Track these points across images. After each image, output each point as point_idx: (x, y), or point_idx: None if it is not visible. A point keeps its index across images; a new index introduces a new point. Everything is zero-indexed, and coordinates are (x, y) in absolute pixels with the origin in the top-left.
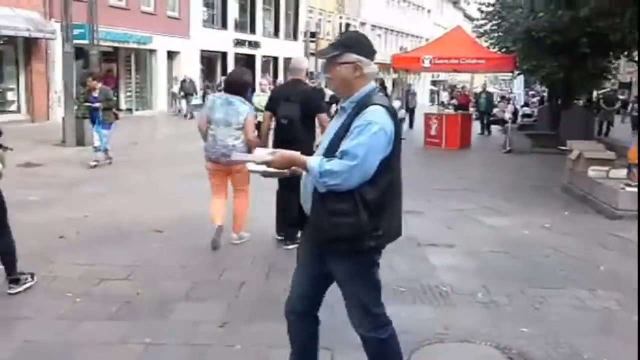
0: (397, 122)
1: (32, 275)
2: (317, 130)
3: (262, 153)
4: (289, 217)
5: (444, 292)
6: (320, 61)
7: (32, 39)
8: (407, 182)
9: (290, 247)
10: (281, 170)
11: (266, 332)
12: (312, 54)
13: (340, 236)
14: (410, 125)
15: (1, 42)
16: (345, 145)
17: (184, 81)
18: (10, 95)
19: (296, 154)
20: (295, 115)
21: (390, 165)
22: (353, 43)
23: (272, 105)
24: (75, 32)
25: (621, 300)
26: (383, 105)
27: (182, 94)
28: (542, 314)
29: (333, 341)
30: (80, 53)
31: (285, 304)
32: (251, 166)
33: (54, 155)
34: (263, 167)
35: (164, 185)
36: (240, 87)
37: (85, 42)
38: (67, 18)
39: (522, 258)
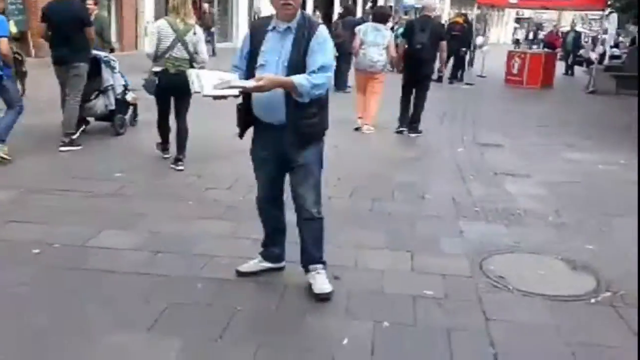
0: None
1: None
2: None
3: (252, 82)
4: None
5: (517, 214)
6: None
7: None
8: (486, 117)
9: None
10: (231, 93)
11: (357, 234)
12: None
13: (314, 132)
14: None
15: None
16: (320, 60)
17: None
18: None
19: (280, 77)
20: (427, 42)
21: None
22: None
23: (409, 33)
24: None
25: None
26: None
27: None
28: (607, 236)
29: None
30: None
31: (257, 199)
32: (206, 90)
33: None
34: (216, 92)
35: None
36: (385, 17)
37: None
38: None
39: (594, 188)
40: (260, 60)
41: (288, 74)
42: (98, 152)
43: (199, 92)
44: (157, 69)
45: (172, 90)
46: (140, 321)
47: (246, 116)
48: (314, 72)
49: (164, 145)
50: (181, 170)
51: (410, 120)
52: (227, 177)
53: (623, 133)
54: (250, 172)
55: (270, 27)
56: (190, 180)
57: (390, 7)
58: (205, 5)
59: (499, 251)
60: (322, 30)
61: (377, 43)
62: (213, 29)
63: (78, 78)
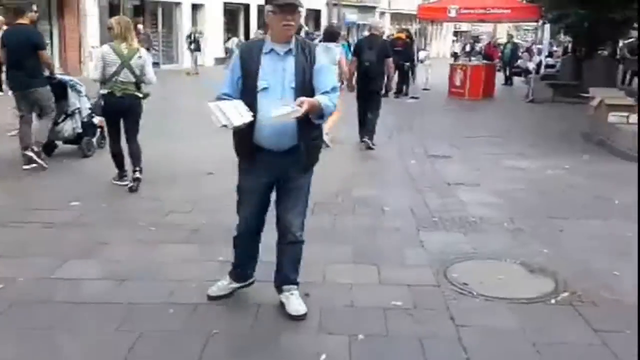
0: None
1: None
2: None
3: (295, 107)
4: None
5: (472, 222)
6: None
7: None
8: (434, 129)
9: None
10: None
11: (322, 250)
12: (334, 4)
13: (318, 154)
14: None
15: None
16: (331, 81)
17: (190, 35)
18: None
19: (311, 99)
20: (374, 59)
21: None
22: None
23: (357, 52)
24: None
25: (633, 228)
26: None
27: (192, 46)
28: (560, 239)
29: None
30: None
31: (243, 230)
32: (276, 112)
33: None
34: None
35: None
36: (334, 36)
37: None
38: None
39: (543, 194)
40: (261, 83)
41: (296, 96)
42: (55, 180)
43: (226, 126)
44: (104, 91)
45: (119, 112)
46: (114, 352)
47: (251, 144)
48: (327, 92)
49: (120, 173)
50: (131, 187)
51: (364, 133)
52: (187, 200)
53: (563, 139)
54: (210, 193)
55: (266, 50)
56: (149, 205)
57: (333, 24)
58: (140, 26)
59: (460, 259)
60: (320, 51)
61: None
62: (150, 50)
63: (42, 101)
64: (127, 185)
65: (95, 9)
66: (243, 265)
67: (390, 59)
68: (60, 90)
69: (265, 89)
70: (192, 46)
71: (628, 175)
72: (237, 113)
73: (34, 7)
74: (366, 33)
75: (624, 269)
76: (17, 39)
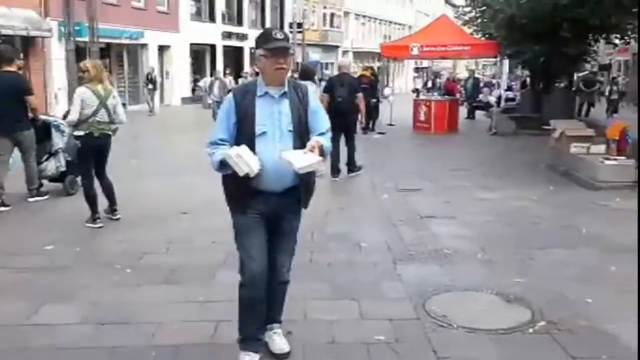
0: None
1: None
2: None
3: (315, 156)
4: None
5: (447, 254)
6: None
7: (29, 38)
8: (403, 163)
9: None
10: (320, 166)
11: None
12: (298, 44)
13: (312, 194)
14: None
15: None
16: (326, 122)
17: (147, 75)
18: None
19: (317, 141)
20: (346, 95)
21: None
22: None
23: (329, 89)
24: None
25: (600, 255)
26: None
27: (150, 86)
28: (532, 268)
29: None
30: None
31: (253, 270)
32: (301, 164)
33: None
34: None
35: (167, 172)
36: (309, 75)
37: (83, 39)
38: (69, 17)
39: (513, 225)
40: (259, 128)
41: (294, 139)
42: (26, 223)
43: (248, 175)
44: (80, 133)
45: (95, 152)
46: None
47: (250, 187)
48: (324, 133)
49: (93, 216)
50: (118, 219)
51: (347, 164)
52: (162, 240)
53: (529, 170)
54: (185, 233)
55: (260, 93)
56: (124, 247)
57: (297, 63)
58: None
59: (438, 291)
60: (312, 92)
61: None
62: None
63: (26, 144)
64: (101, 227)
65: (62, 53)
66: (259, 326)
67: (361, 94)
68: (44, 130)
69: (263, 133)
70: (150, 86)
71: (593, 205)
72: (253, 158)
73: (21, 55)
74: (336, 72)
75: (595, 296)
76: (5, 86)
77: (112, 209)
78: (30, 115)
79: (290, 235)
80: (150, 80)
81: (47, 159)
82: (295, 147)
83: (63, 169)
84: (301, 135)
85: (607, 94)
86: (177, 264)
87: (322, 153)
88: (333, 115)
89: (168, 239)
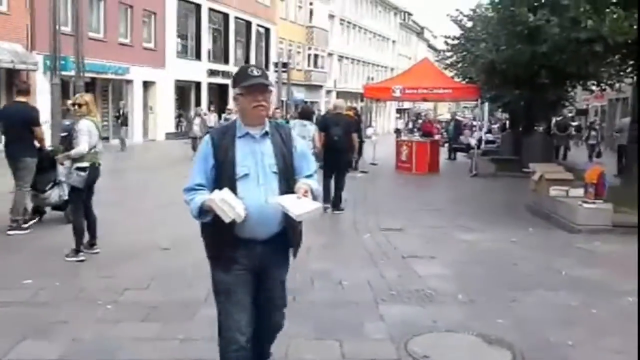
0: None
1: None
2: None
3: (313, 202)
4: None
5: (429, 294)
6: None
7: (14, 71)
8: (385, 203)
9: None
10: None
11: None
12: (283, 83)
13: (301, 240)
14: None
15: None
16: (313, 164)
17: (119, 109)
18: None
19: (306, 184)
20: (342, 134)
21: None
22: None
23: (325, 128)
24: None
25: (580, 298)
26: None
27: (120, 121)
28: (514, 310)
29: None
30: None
31: (232, 338)
32: (299, 211)
33: None
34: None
35: (150, 206)
36: (309, 115)
37: (68, 73)
38: (55, 51)
39: (494, 267)
40: (240, 170)
41: (279, 180)
42: (5, 257)
43: (235, 220)
44: (85, 164)
45: (93, 182)
46: None
47: (231, 235)
48: (311, 175)
49: (78, 248)
50: (97, 252)
51: (333, 201)
52: (143, 276)
53: (509, 212)
54: (166, 269)
55: (240, 134)
56: (105, 283)
57: (282, 101)
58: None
59: (420, 332)
60: (295, 133)
61: (303, 136)
62: None
63: (25, 170)
64: (83, 260)
65: (47, 86)
66: None
67: (356, 134)
68: (49, 160)
69: (245, 175)
70: (120, 120)
71: (572, 248)
72: (238, 202)
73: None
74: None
75: (576, 338)
76: (17, 115)
77: (91, 243)
78: (37, 145)
79: (281, 286)
80: (122, 114)
81: (51, 188)
82: (280, 190)
83: (65, 197)
84: (287, 177)
85: (584, 138)
86: (157, 301)
87: (313, 196)
88: (329, 153)
89: (149, 275)
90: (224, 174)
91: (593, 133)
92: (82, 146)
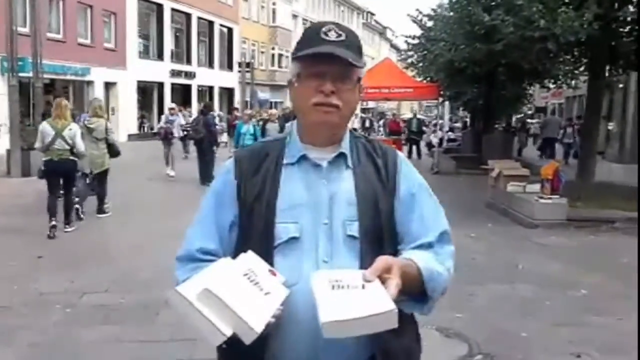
0: None
1: None
2: None
3: (382, 294)
4: None
5: None
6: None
7: None
8: None
9: None
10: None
11: None
12: (247, 83)
13: None
14: None
15: None
16: (441, 221)
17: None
18: None
19: (402, 262)
20: None
21: None
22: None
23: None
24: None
25: (535, 290)
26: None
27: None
28: (472, 304)
29: None
30: (19, 86)
31: None
32: (337, 316)
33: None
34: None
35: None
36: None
37: (26, 75)
38: (12, 52)
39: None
40: (284, 228)
41: (363, 252)
42: None
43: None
44: (45, 158)
45: (58, 173)
46: None
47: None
48: (432, 245)
49: (51, 223)
50: (74, 229)
51: None
52: (102, 279)
53: (468, 208)
54: (127, 271)
55: (291, 159)
56: (65, 287)
57: (247, 101)
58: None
59: None
60: (405, 160)
61: None
62: None
63: None
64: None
65: (4, 88)
66: None
67: None
68: None
69: (293, 239)
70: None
71: (529, 242)
72: (259, 292)
73: None
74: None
75: (530, 330)
76: None
77: (65, 222)
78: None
79: None
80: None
81: None
82: (362, 268)
83: None
84: (377, 246)
85: (559, 137)
86: (117, 304)
87: (408, 288)
88: None
89: (109, 278)
90: (252, 235)
91: (569, 131)
92: (36, 144)
